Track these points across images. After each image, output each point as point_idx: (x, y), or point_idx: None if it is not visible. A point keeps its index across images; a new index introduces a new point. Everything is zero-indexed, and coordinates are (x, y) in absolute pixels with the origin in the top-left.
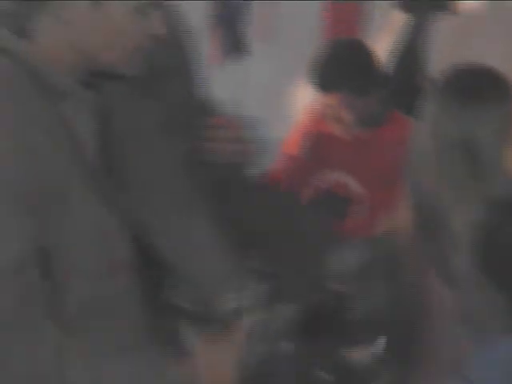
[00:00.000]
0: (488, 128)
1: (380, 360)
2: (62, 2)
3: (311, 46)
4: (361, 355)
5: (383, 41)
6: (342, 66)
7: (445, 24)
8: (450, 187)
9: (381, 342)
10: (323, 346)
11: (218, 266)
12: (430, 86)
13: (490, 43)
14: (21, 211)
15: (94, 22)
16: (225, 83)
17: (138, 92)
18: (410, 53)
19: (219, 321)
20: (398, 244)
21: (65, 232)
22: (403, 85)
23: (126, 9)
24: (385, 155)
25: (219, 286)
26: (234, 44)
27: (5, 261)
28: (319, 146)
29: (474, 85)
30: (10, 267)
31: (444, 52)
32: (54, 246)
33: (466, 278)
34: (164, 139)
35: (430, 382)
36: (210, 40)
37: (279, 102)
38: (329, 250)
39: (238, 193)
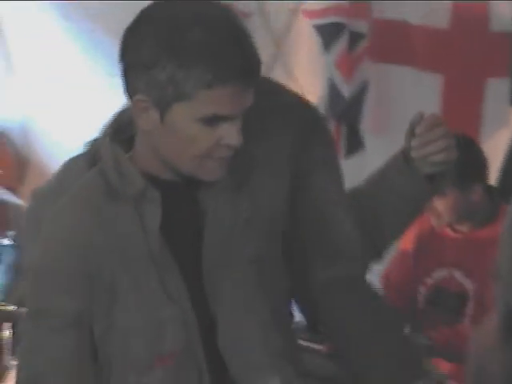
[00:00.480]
0: None
1: None
2: (140, 112)
3: None
4: None
5: (497, 137)
6: None
7: None
8: None
9: None
10: None
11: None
12: None
13: None
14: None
15: (163, 132)
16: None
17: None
18: None
19: None
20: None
21: (114, 317)
22: None
23: (188, 119)
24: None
25: None
26: (351, 139)
27: (69, 311)
28: (432, 243)
29: None
30: (69, 317)
31: None
32: (104, 330)
33: None
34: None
35: None
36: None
37: None
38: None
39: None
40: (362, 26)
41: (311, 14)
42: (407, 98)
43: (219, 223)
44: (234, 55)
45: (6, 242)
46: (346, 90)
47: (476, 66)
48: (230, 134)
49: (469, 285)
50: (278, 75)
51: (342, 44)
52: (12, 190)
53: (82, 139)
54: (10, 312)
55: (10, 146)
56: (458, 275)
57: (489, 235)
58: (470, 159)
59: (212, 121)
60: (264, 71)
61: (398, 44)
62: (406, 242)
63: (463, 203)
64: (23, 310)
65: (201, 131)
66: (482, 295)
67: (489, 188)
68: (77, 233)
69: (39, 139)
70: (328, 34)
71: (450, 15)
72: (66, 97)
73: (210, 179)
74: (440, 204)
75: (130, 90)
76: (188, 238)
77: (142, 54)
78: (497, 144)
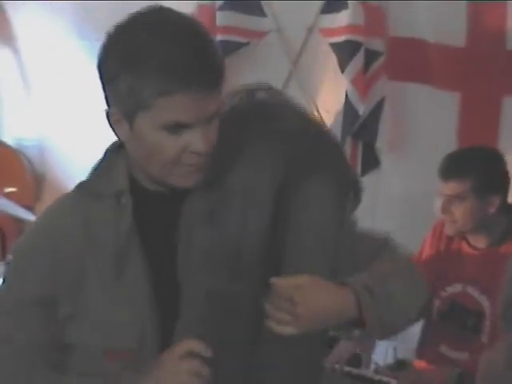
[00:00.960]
0: None
1: None
2: (116, 125)
3: (442, 158)
4: None
5: None
6: (468, 158)
7: None
8: None
9: None
10: None
11: None
12: None
13: None
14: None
15: (134, 141)
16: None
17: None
18: None
19: None
20: None
21: (78, 306)
22: None
23: (150, 128)
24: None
25: None
26: (367, 157)
27: (29, 294)
28: (449, 256)
29: None
30: (32, 300)
31: None
32: (66, 317)
33: None
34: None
35: None
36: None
37: (411, 214)
38: None
39: None
40: (378, 44)
41: (327, 32)
42: (423, 115)
43: (189, 242)
44: (187, 62)
45: None
46: (362, 108)
47: (492, 83)
48: (196, 141)
49: (485, 302)
50: (294, 92)
51: (358, 62)
52: (29, 207)
53: (95, 157)
54: None
55: (27, 164)
56: (474, 291)
57: (506, 252)
58: (493, 170)
59: (175, 128)
60: (280, 88)
61: (414, 62)
62: (424, 252)
63: (480, 212)
64: None
65: (166, 139)
66: (497, 313)
67: (507, 204)
68: (58, 225)
69: (55, 157)
70: (344, 52)
71: (467, 33)
72: (80, 116)
73: (183, 186)
74: (457, 209)
75: (106, 103)
76: (165, 246)
77: (107, 67)
78: None
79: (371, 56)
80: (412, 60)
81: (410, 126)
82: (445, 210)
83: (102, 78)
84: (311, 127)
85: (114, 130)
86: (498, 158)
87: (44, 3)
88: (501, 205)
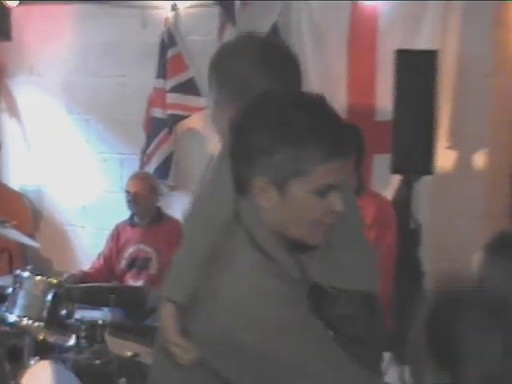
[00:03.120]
0: None
1: None
2: (259, 193)
3: None
4: None
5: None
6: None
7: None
8: None
9: None
10: None
11: None
12: None
13: None
14: None
15: (282, 205)
16: None
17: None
18: None
19: None
20: None
21: None
22: None
23: (305, 192)
24: None
25: None
26: None
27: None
28: None
29: None
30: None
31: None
32: None
33: None
34: None
35: None
36: None
37: None
38: None
39: None
40: None
41: None
42: None
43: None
44: (336, 131)
45: (26, 274)
46: None
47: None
48: (337, 202)
49: None
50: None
51: None
52: (30, 235)
53: (80, 198)
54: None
55: (28, 204)
56: None
57: None
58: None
59: (324, 191)
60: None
61: None
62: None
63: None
64: None
65: (316, 201)
66: None
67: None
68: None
69: (50, 199)
70: None
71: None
72: (70, 167)
73: (315, 243)
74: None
75: (243, 176)
76: None
77: (258, 140)
78: None
79: None
80: None
81: None
82: None
83: (243, 153)
84: None
85: (255, 197)
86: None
87: (40, 80)
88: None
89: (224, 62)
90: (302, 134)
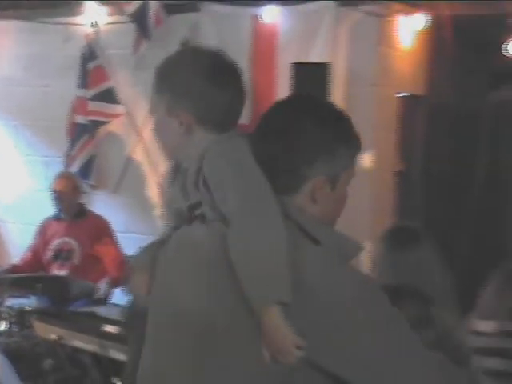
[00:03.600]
0: None
1: None
2: (316, 190)
3: None
4: None
5: None
6: None
7: None
8: None
9: None
10: None
11: None
12: None
13: None
14: None
15: (332, 199)
16: None
17: None
18: None
19: None
20: None
21: None
22: None
23: (347, 182)
24: None
25: None
26: None
27: None
28: None
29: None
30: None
31: None
32: None
33: None
34: None
35: None
36: None
37: None
38: None
39: None
40: None
41: None
42: None
43: None
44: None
45: None
46: None
47: None
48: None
49: None
50: (139, 157)
51: None
52: None
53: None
54: None
55: None
56: None
57: None
58: None
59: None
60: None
61: None
62: None
63: None
64: None
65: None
66: None
67: None
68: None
69: None
70: None
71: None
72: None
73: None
74: None
75: (297, 178)
76: None
77: (316, 141)
78: None
79: None
80: None
81: None
82: None
83: (310, 148)
84: None
85: (314, 195)
86: None
87: None
88: None
89: (177, 73)
90: (347, 132)
